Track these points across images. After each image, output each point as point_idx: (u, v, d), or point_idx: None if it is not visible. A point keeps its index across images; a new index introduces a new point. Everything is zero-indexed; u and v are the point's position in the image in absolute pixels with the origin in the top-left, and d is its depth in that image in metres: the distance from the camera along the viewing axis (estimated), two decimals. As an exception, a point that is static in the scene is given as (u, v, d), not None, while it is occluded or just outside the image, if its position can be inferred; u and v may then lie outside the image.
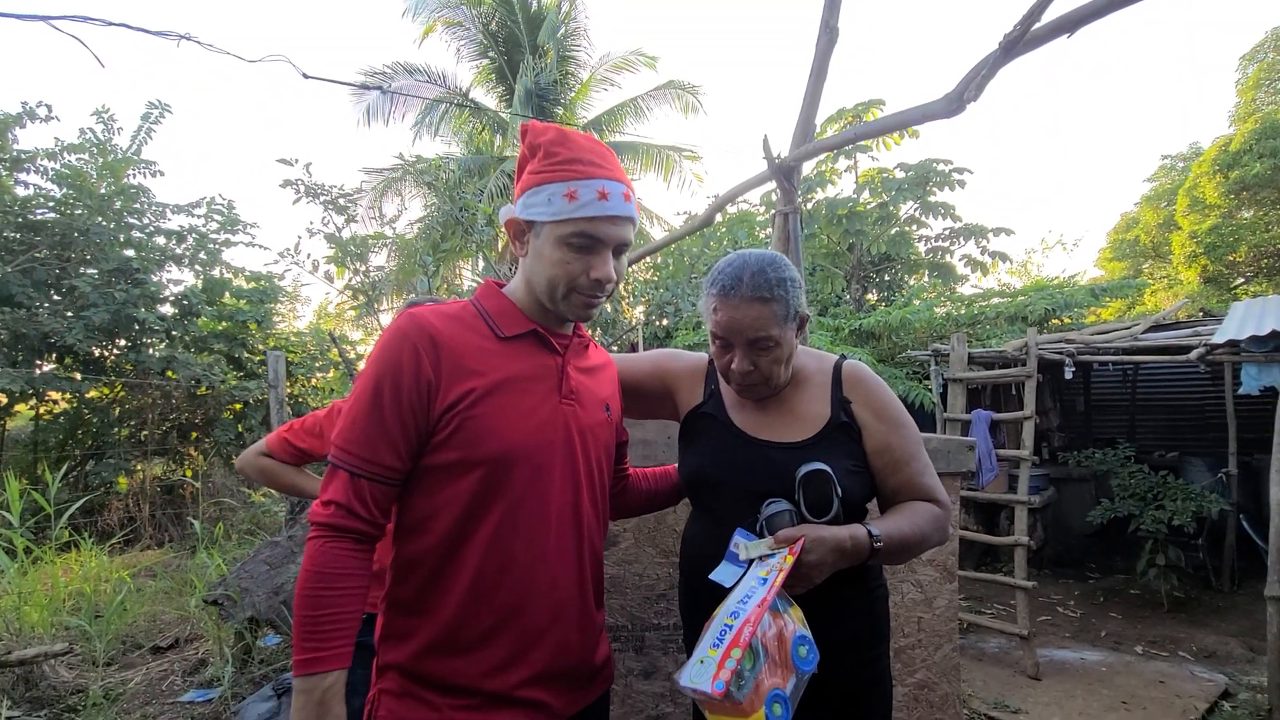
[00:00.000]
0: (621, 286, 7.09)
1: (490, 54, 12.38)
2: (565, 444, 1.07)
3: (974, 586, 4.95)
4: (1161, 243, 13.46)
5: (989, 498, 4.50)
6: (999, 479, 4.69)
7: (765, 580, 1.00)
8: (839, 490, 1.10)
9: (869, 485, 1.21)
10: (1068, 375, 4.78)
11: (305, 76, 3.28)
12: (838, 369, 1.27)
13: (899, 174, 8.21)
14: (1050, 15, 1.55)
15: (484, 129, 12.66)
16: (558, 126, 1.08)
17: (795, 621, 1.01)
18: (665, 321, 6.46)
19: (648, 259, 8.29)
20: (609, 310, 6.21)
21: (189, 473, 6.77)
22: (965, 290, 9.24)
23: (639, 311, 7.58)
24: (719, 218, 7.51)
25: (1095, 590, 5.28)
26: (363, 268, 4.83)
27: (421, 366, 0.98)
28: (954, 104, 1.85)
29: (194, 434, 7.13)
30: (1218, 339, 3.76)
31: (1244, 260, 11.11)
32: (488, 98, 13.01)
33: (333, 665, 0.93)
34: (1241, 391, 3.76)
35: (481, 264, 7.53)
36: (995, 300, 7.69)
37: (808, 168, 8.64)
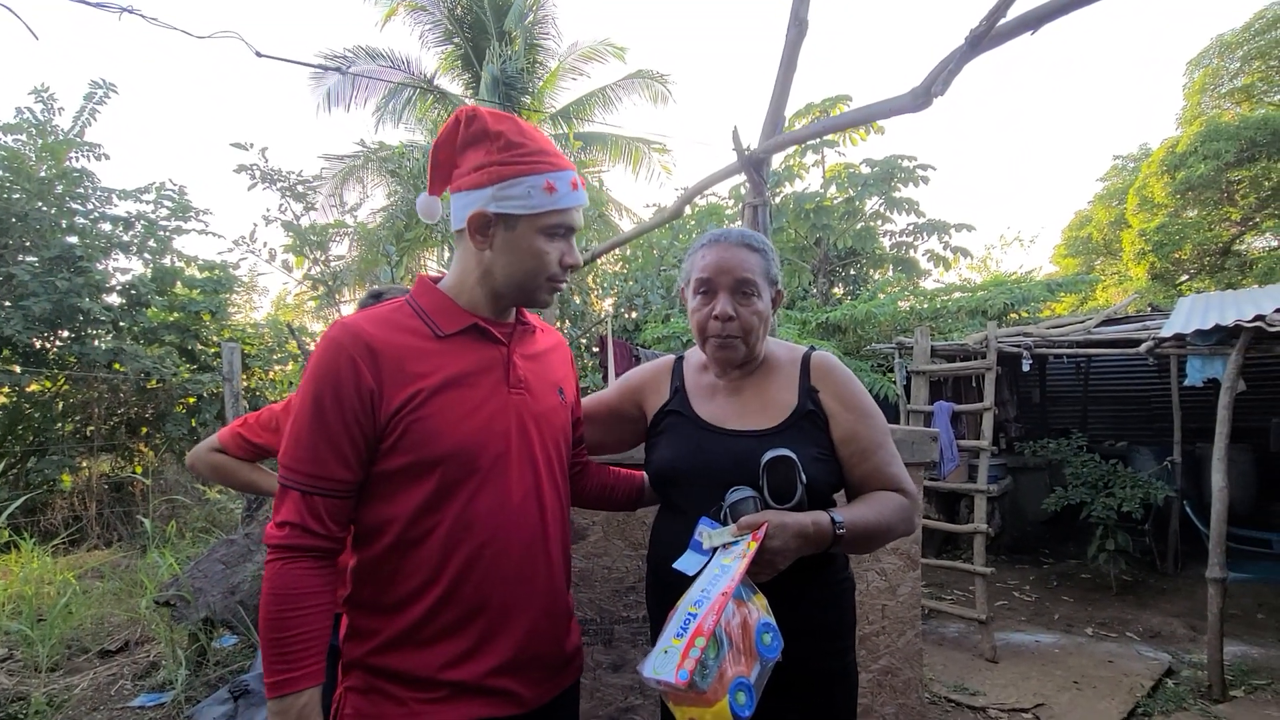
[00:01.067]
0: (590, 279, 7.06)
1: (455, 39, 12.12)
2: (520, 433, 1.07)
3: (935, 573, 5.08)
4: (1113, 240, 13.96)
5: (950, 487, 4.61)
6: (960, 468, 4.81)
7: (729, 568, 0.99)
8: (803, 477, 1.10)
9: (836, 473, 1.22)
10: (1025, 368, 4.92)
11: (259, 55, 3.15)
12: (806, 359, 1.28)
13: (865, 169, 8.33)
14: (1015, 12, 1.57)
15: (449, 115, 12.40)
16: (510, 115, 1.08)
17: (759, 609, 1.00)
18: (634, 314, 6.44)
19: (617, 251, 8.25)
20: (577, 302, 6.16)
21: (139, 469, 6.50)
22: (928, 284, 9.44)
23: (608, 304, 7.54)
24: (688, 210, 7.51)
25: (1049, 575, 5.48)
26: (323, 257, 4.69)
27: (361, 376, 0.97)
28: (921, 98, 1.86)
29: (144, 429, 6.84)
30: (1165, 333, 3.91)
31: (1188, 258, 11.60)
32: (453, 85, 12.74)
33: (305, 685, 0.93)
34: (1186, 383, 3.92)
35: (447, 254, 7.39)
36: (957, 295, 7.87)
37: (776, 161, 8.69)
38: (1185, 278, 11.93)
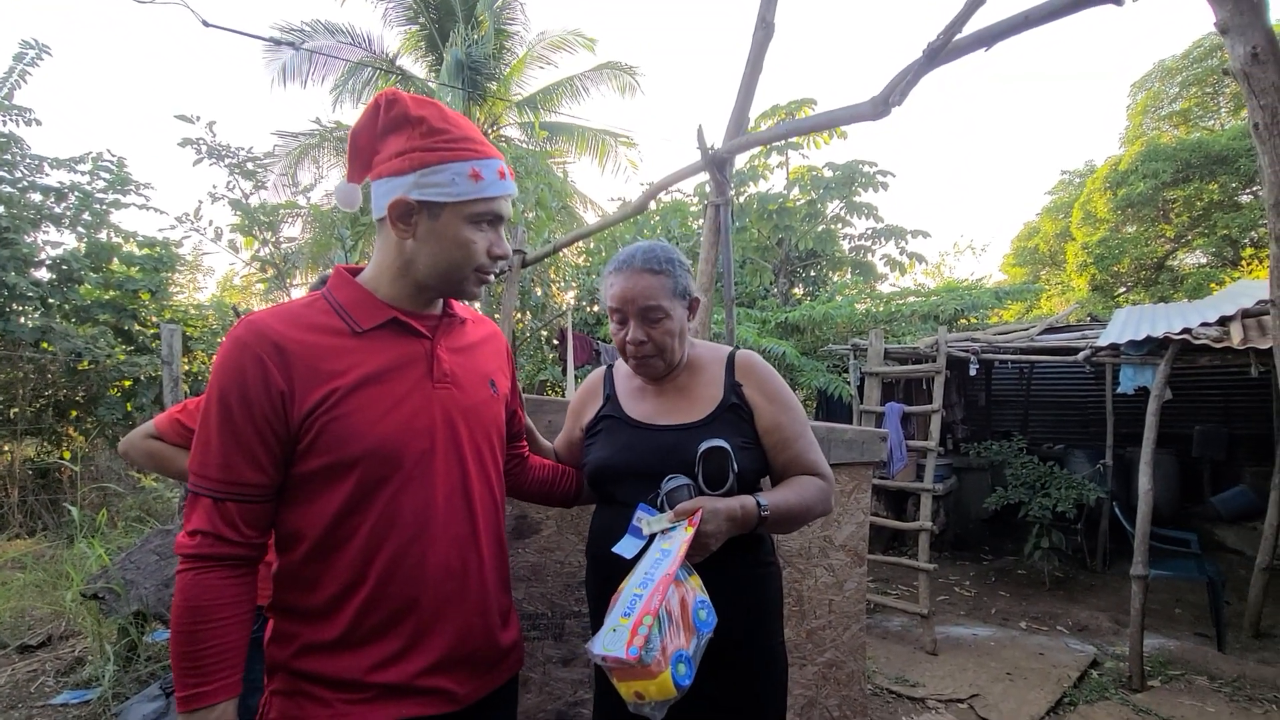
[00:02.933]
0: (552, 270, 7.00)
1: (420, 20, 11.81)
2: (446, 428, 1.05)
3: (881, 569, 5.23)
4: (1058, 251, 14.58)
5: (899, 485, 4.75)
6: (908, 468, 4.96)
7: (669, 552, 1.07)
8: (735, 465, 1.19)
9: (760, 460, 1.32)
10: (972, 372, 5.11)
11: (205, 25, 2.99)
12: (731, 357, 1.38)
13: (827, 173, 8.48)
14: (971, 28, 1.61)
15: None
16: (433, 101, 1.04)
17: (695, 588, 1.08)
18: (595, 308, 6.42)
19: (580, 244, 8.20)
20: (539, 294, 6.10)
21: (67, 455, 6.17)
22: (884, 288, 9.69)
23: (570, 296, 7.50)
24: (652, 205, 7.51)
25: (988, 571, 5.71)
26: (272, 238, 4.51)
27: (270, 377, 0.93)
28: (880, 107, 1.91)
29: (74, 412, 6.49)
30: (1101, 342, 4.10)
31: (1126, 271, 12.21)
32: (416, 66, 12.42)
33: (220, 698, 0.91)
34: (1119, 391, 4.13)
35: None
36: (911, 299, 8.11)
37: (741, 161, 8.77)
38: (1123, 290, 12.56)
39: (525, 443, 1.39)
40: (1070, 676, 3.59)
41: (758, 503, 1.17)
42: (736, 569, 1.25)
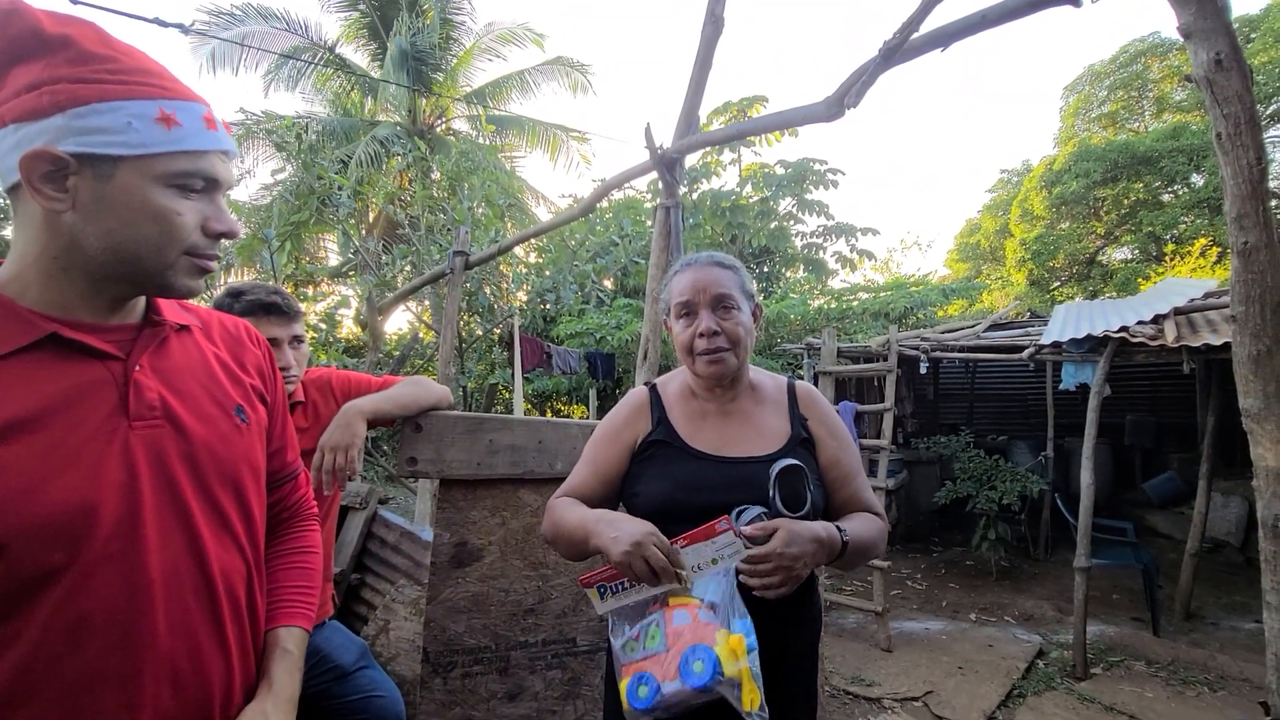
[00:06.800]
0: (503, 266, 6.80)
1: (361, 5, 11.33)
2: (157, 482, 0.76)
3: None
4: (998, 247, 15.14)
5: (852, 483, 4.78)
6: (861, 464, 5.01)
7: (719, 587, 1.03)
8: (812, 487, 1.13)
9: (825, 498, 1.24)
10: (922, 370, 5.19)
11: (74, 2, 2.67)
12: (791, 388, 1.33)
13: (780, 170, 8.52)
14: (927, 27, 1.56)
15: (353, 88, 11.60)
16: (90, 21, 0.74)
17: (729, 645, 0.99)
18: (546, 306, 6.26)
19: (532, 241, 8.01)
20: (487, 293, 5.90)
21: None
22: (835, 284, 9.83)
23: (522, 295, 7.31)
24: (605, 203, 7.38)
25: (938, 563, 5.84)
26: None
27: None
28: (834, 108, 1.85)
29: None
30: (1044, 340, 4.21)
31: (1061, 266, 12.75)
32: (357, 55, 11.92)
33: None
34: (1061, 387, 4.25)
35: (347, 240, 6.89)
36: (862, 295, 8.23)
37: (694, 158, 8.73)
38: (1058, 284, 13.12)
39: (298, 505, 1.05)
40: (1019, 668, 3.67)
41: (839, 529, 1.09)
42: (803, 607, 1.18)
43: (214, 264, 0.81)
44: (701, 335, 1.20)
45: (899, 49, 1.52)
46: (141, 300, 0.81)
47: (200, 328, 0.90)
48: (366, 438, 1.85)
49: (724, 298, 1.21)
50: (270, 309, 1.48)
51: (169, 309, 0.85)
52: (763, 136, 7.85)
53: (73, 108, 0.69)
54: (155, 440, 0.77)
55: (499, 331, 6.56)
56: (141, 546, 0.73)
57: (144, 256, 0.74)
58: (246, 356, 0.94)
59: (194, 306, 0.92)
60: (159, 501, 0.76)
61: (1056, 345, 4.12)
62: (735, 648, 0.97)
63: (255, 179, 10.68)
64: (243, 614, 0.84)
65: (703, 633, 0.99)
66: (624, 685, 1.00)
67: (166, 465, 0.77)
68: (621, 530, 1.04)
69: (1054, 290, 12.95)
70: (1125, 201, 11.65)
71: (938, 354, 5.01)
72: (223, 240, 0.81)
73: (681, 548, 1.04)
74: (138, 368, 0.77)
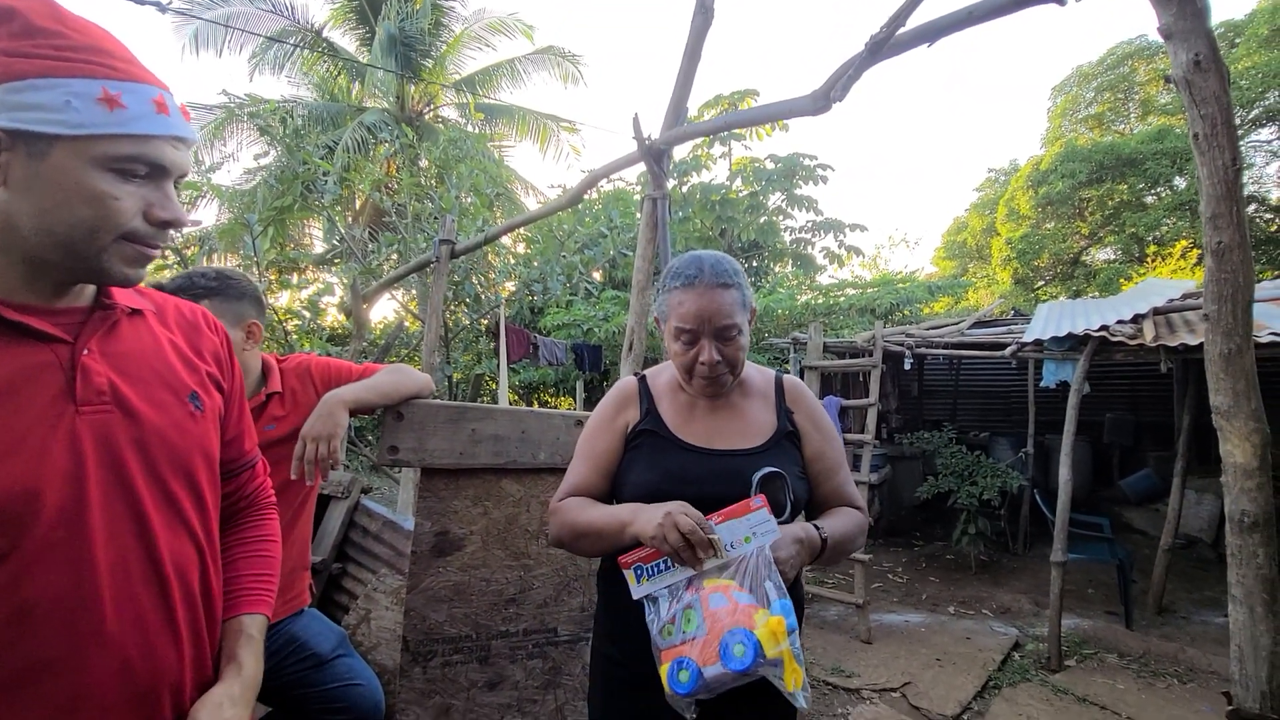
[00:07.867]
0: (491, 255, 6.75)
1: (350, -10, 11.17)
2: (105, 468, 0.74)
3: (819, 559, 5.33)
4: (984, 246, 15.27)
5: (835, 477, 4.82)
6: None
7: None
8: (792, 493, 1.15)
9: (808, 491, 1.26)
10: (907, 366, 5.23)
11: None
12: (779, 381, 1.34)
13: (769, 165, 8.53)
14: (914, 23, 1.56)
15: (340, 73, 11.43)
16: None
17: (758, 622, 1.02)
18: (534, 297, 6.24)
19: (520, 231, 7.97)
20: (474, 283, 5.86)
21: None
22: (823, 280, 9.88)
23: (509, 285, 7.27)
24: (594, 194, 7.35)
25: (919, 557, 5.91)
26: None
27: None
28: (820, 102, 1.85)
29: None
30: (1026, 338, 4.26)
31: (1045, 265, 12.89)
32: (345, 39, 11.75)
33: None
34: (1042, 385, 4.31)
35: (332, 227, 6.81)
36: (849, 291, 8.28)
37: (683, 151, 8.71)
38: (1042, 283, 13.26)
39: (256, 493, 1.03)
40: (995, 660, 3.73)
41: (818, 528, 1.12)
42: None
43: (156, 253, 0.78)
44: (704, 364, 1.19)
45: (885, 43, 1.53)
46: (87, 285, 0.79)
47: (155, 312, 0.87)
48: (350, 426, 1.84)
49: (728, 329, 1.18)
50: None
51: (121, 293, 0.82)
52: (753, 130, 7.84)
53: (7, 82, 0.67)
54: (104, 426, 0.75)
55: (485, 322, 6.53)
56: (87, 534, 0.72)
57: (77, 240, 0.72)
58: (203, 343, 0.91)
59: (149, 291, 0.91)
60: (107, 488, 0.74)
61: (1038, 343, 4.17)
62: (776, 630, 0.98)
63: (239, 163, 10.53)
64: (196, 602, 0.82)
65: (741, 615, 1.00)
66: (664, 670, 1.00)
67: (115, 451, 0.75)
68: (654, 510, 1.06)
69: (1038, 289, 13.10)
70: (1109, 203, 11.78)
71: (922, 350, 5.05)
72: (170, 230, 0.78)
73: (715, 525, 1.05)
74: (86, 351, 0.75)
